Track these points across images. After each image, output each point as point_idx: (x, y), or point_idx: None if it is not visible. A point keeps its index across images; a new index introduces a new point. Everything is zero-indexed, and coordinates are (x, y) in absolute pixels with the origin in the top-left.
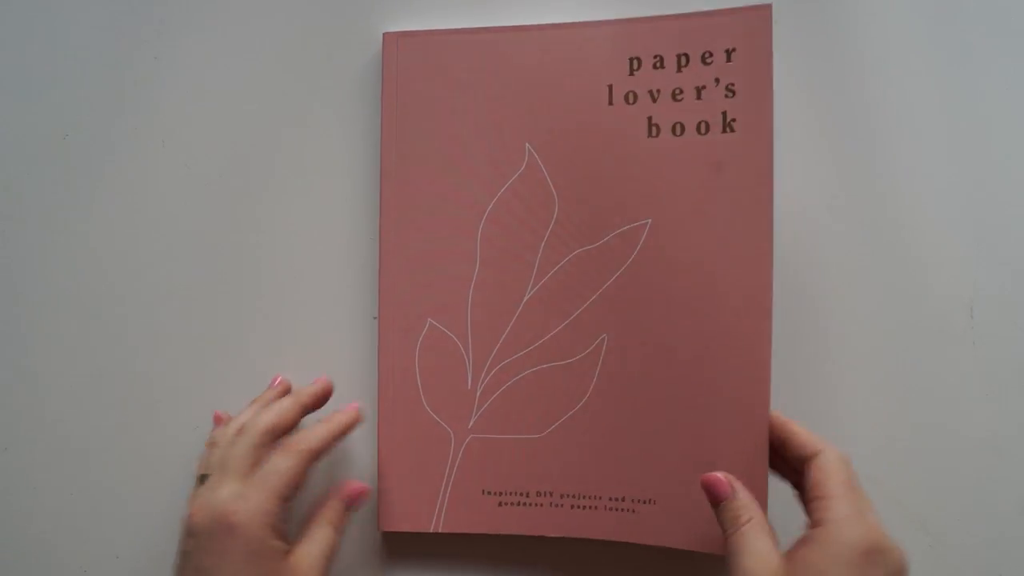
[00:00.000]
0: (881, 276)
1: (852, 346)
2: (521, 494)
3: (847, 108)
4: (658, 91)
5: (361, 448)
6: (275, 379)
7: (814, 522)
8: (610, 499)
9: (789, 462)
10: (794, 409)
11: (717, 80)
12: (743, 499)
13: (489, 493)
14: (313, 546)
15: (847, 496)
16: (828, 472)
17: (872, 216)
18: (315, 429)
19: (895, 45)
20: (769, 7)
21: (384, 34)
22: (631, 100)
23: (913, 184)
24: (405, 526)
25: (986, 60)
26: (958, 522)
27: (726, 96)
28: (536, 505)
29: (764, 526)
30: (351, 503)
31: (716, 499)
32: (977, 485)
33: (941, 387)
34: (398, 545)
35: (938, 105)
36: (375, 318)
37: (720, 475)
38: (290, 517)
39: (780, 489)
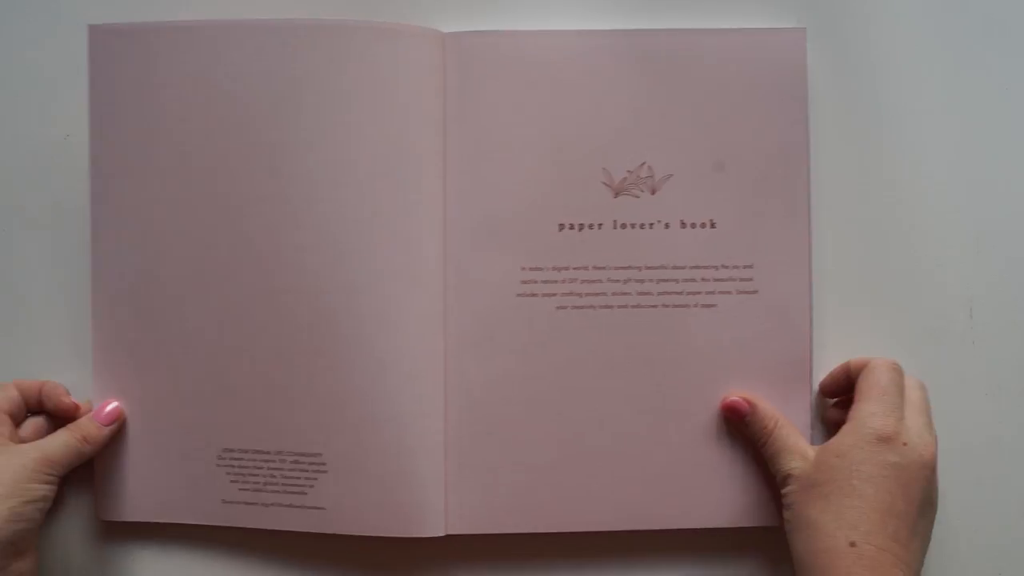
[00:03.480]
0: (881, 276)
1: (852, 346)
2: None
3: (846, 109)
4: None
5: None
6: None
7: (847, 419)
8: None
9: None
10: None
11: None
12: (764, 409)
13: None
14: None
15: (879, 397)
16: (868, 380)
17: (872, 216)
18: None
19: (896, 47)
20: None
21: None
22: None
23: (913, 184)
24: None
25: (984, 61)
26: (958, 522)
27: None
28: None
29: (790, 428)
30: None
31: (739, 417)
32: (977, 485)
33: (941, 387)
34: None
35: (938, 106)
36: None
37: (735, 397)
38: None
39: None
